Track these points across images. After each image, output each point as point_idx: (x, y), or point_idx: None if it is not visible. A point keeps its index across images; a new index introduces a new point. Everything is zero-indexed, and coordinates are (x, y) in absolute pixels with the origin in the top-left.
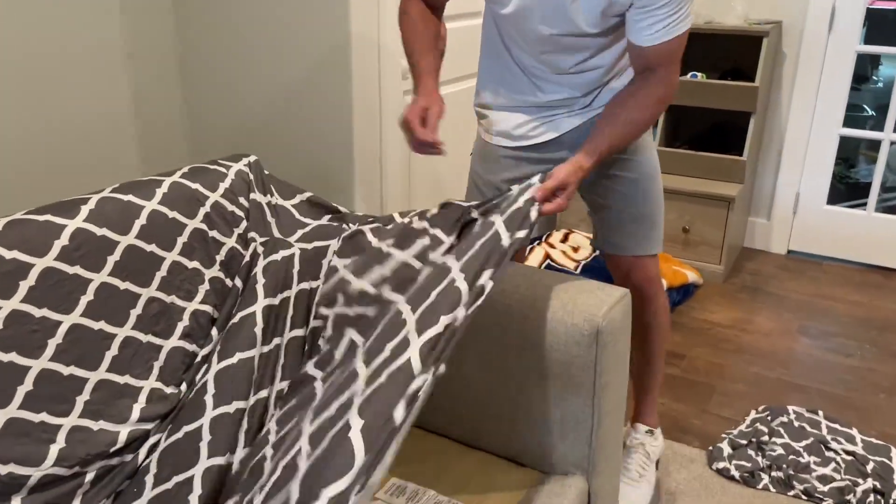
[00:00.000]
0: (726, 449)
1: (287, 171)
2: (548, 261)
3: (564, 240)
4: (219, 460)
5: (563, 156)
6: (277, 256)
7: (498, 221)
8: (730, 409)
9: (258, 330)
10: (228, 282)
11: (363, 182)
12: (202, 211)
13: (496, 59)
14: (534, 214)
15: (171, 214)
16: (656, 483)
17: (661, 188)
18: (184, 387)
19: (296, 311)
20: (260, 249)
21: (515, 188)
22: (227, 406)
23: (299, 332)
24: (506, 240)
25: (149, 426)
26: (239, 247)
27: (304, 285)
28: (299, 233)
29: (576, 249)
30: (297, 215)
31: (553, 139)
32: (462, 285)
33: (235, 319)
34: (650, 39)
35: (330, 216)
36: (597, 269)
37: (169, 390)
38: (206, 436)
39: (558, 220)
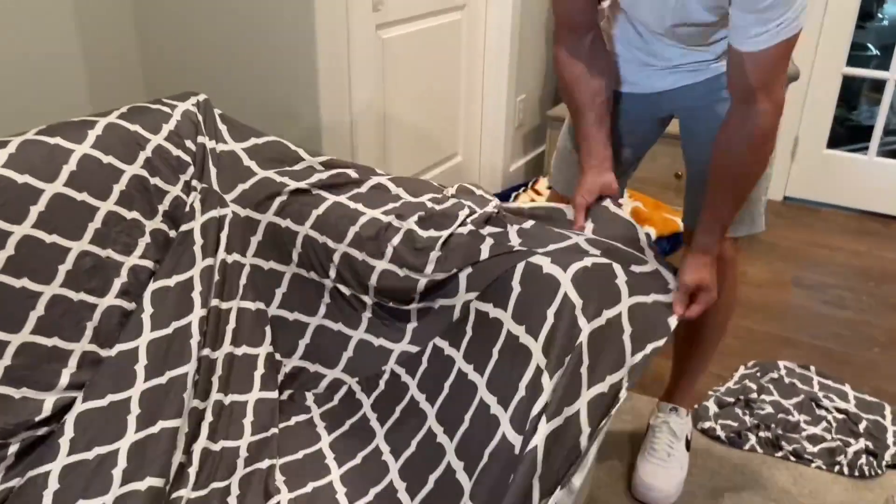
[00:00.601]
0: (712, 408)
1: (250, 112)
2: None
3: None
4: (150, 431)
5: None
6: (215, 213)
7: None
8: (718, 364)
9: (196, 295)
10: (173, 234)
11: (330, 124)
12: (142, 156)
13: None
14: (673, 323)
15: (107, 160)
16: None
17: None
18: (116, 349)
19: (225, 280)
20: (198, 204)
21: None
22: (160, 377)
23: (228, 304)
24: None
25: (76, 393)
26: (185, 196)
27: (229, 256)
28: (239, 188)
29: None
30: (245, 161)
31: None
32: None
33: (170, 282)
34: (754, 44)
35: (285, 167)
36: None
37: (105, 353)
38: (135, 409)
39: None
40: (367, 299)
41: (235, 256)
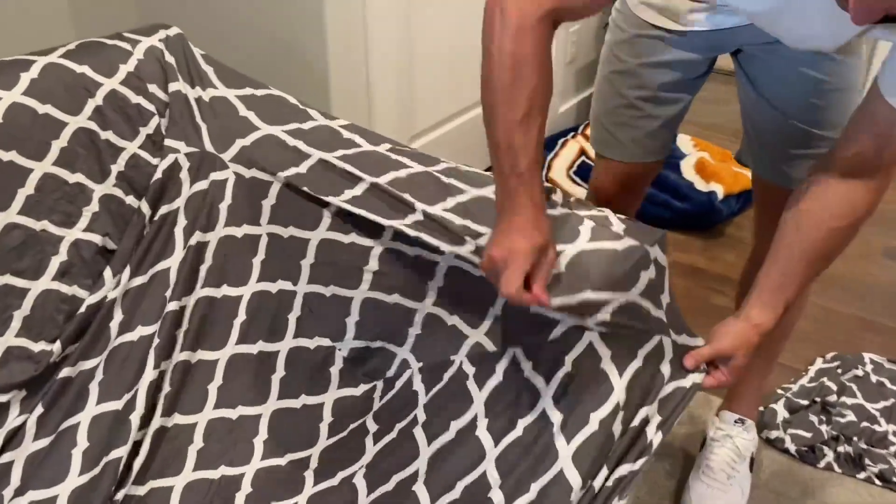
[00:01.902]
0: (781, 412)
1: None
2: (582, 156)
3: None
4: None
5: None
6: (205, 184)
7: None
8: (790, 354)
9: (169, 293)
10: (131, 201)
11: (341, 71)
12: (91, 104)
13: None
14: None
15: (43, 109)
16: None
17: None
18: (58, 346)
19: (215, 263)
20: (185, 172)
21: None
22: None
23: (212, 293)
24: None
25: (4, 397)
26: (146, 154)
27: (232, 230)
28: (238, 145)
29: None
30: (241, 111)
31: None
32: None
33: (145, 279)
34: None
35: (293, 124)
36: None
37: (38, 347)
38: (83, 442)
39: None
40: (441, 259)
41: (246, 229)
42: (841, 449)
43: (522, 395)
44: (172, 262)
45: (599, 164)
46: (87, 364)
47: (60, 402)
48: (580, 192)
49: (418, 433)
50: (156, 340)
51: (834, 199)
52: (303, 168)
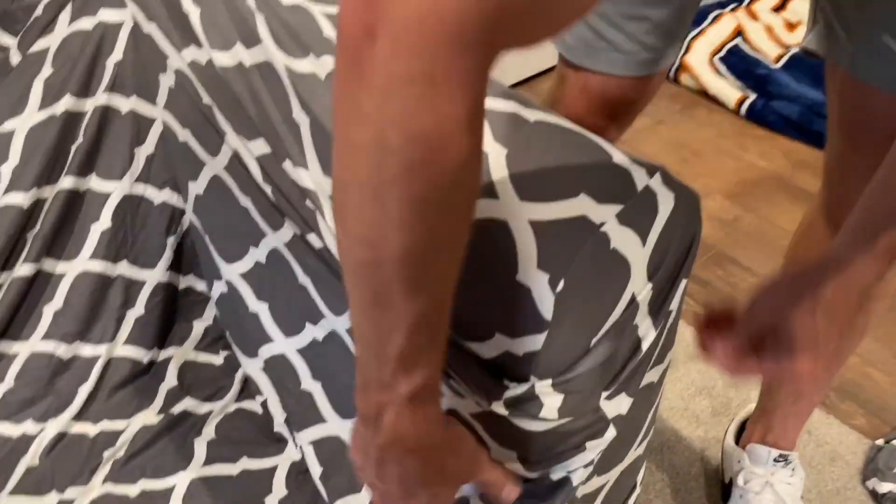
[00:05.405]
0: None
1: None
2: (737, 38)
3: (780, 7)
4: None
5: None
6: (89, 22)
7: None
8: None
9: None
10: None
11: None
12: None
13: None
14: None
15: None
16: None
17: None
18: None
19: (85, 143)
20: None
21: None
22: None
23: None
24: None
25: None
26: None
27: (117, 100)
28: None
29: (792, 26)
30: None
31: None
32: None
33: None
34: None
35: None
36: (806, 68)
37: None
38: None
39: None
40: None
41: (135, 104)
42: None
43: None
44: (19, 125)
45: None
46: None
47: None
48: (721, 85)
49: None
50: None
51: None
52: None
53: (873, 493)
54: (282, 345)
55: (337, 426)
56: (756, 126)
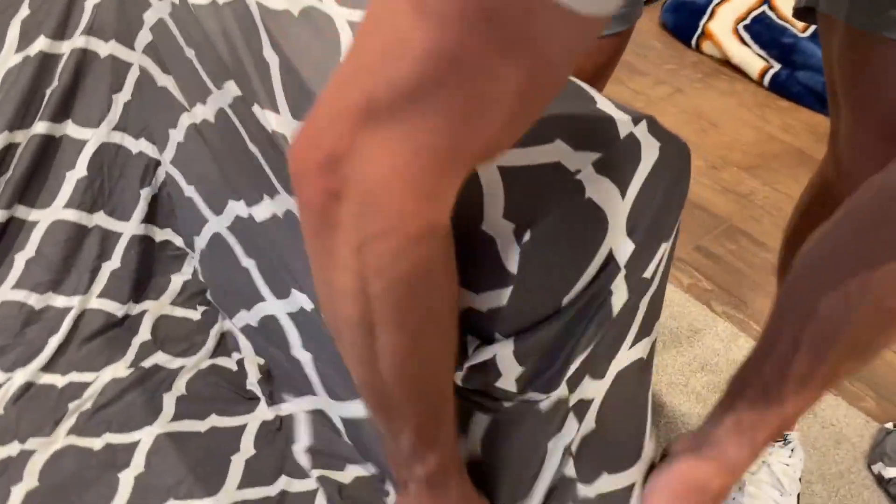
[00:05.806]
0: None
1: None
2: (764, 5)
3: None
4: None
5: None
6: None
7: None
8: None
9: None
10: None
11: None
12: None
13: None
14: None
15: None
16: None
17: None
18: None
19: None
20: None
21: None
22: None
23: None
24: None
25: None
26: None
27: (95, 43)
28: None
29: None
30: None
31: None
32: None
33: None
34: None
35: None
36: None
37: None
38: None
39: None
40: None
41: (114, 48)
42: None
43: None
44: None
45: None
46: None
47: None
48: (745, 54)
49: None
50: None
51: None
52: None
53: (878, 478)
54: (273, 305)
55: (326, 401)
56: (779, 97)
